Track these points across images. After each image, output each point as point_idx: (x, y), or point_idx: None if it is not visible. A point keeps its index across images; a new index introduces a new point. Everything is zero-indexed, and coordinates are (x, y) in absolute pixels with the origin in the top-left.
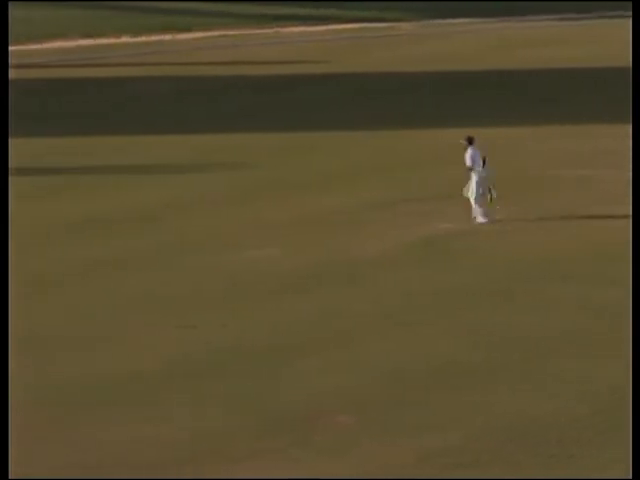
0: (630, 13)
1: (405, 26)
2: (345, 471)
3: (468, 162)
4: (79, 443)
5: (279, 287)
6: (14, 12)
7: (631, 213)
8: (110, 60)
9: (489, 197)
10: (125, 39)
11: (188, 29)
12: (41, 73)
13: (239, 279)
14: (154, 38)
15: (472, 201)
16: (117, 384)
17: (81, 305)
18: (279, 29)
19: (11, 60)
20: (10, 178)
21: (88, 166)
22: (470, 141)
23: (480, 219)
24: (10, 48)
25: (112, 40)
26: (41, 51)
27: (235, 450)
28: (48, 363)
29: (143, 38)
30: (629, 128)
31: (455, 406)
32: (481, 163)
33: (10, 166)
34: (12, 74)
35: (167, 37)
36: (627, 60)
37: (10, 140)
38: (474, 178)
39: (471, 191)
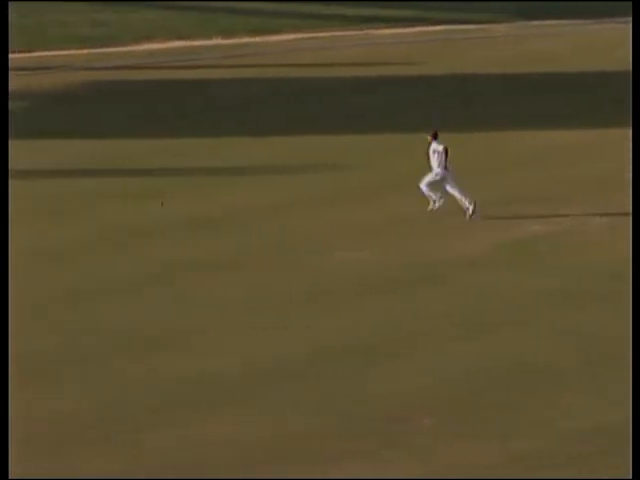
0: None
1: (498, 27)
2: (436, 472)
3: (433, 156)
4: (163, 443)
5: (369, 288)
6: (110, 14)
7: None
8: (202, 62)
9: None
10: (216, 41)
11: (278, 31)
12: (135, 74)
13: (329, 280)
14: (245, 40)
15: (424, 187)
16: (202, 384)
17: (170, 306)
18: (369, 31)
19: (106, 62)
20: (109, 180)
21: (186, 167)
22: (435, 136)
23: (469, 208)
24: (104, 50)
25: (203, 42)
26: (134, 53)
27: (325, 451)
28: (135, 362)
29: (234, 40)
30: None
31: (540, 408)
32: (443, 161)
33: (109, 168)
34: (107, 76)
35: (257, 39)
36: None
37: (108, 142)
38: (435, 171)
39: (425, 180)
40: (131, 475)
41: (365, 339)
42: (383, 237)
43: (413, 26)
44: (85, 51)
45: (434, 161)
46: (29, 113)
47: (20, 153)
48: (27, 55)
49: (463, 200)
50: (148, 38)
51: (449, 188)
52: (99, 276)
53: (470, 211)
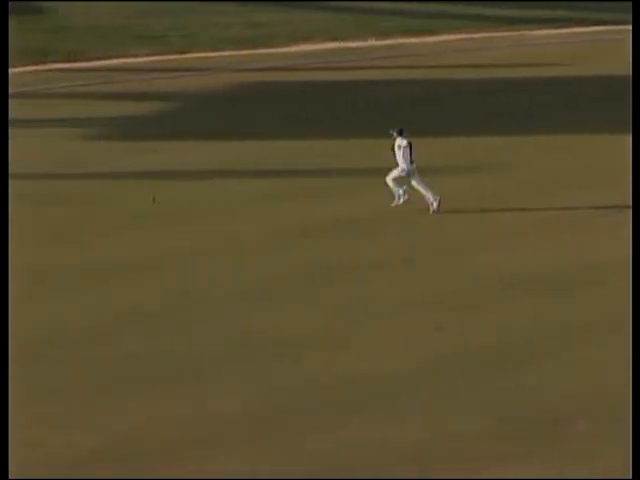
0: None
1: None
2: (595, 474)
3: (398, 151)
4: (322, 444)
5: (515, 289)
6: (266, 16)
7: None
8: (356, 63)
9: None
10: (370, 42)
11: (434, 32)
12: (290, 75)
13: (477, 281)
14: (399, 41)
15: (390, 182)
16: (360, 384)
17: (330, 306)
18: (524, 32)
19: (262, 63)
20: (264, 180)
21: (340, 168)
22: (400, 133)
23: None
24: (260, 51)
25: (358, 43)
26: (290, 54)
27: (481, 452)
28: (293, 363)
29: (389, 41)
30: None
31: None
32: (408, 156)
33: (263, 169)
34: (262, 77)
35: (412, 40)
36: None
37: (264, 143)
38: (400, 167)
39: (391, 175)
40: (289, 475)
41: (517, 340)
42: (534, 238)
43: (568, 27)
44: (241, 52)
45: (399, 157)
46: (185, 114)
47: (176, 154)
48: (183, 56)
49: (428, 195)
50: (303, 39)
51: (414, 183)
52: (255, 277)
53: (434, 206)
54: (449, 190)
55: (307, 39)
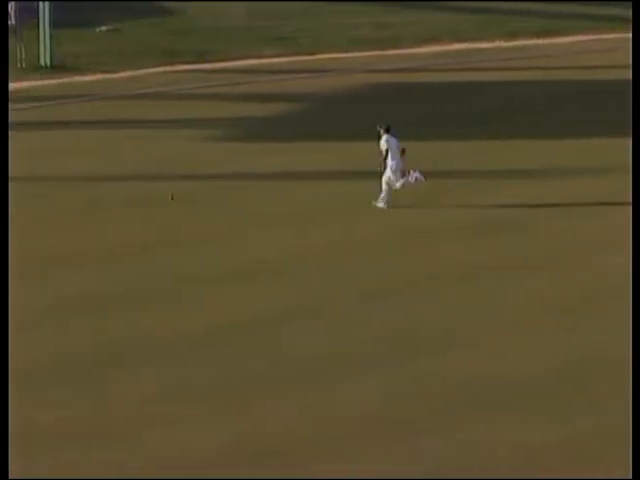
0: None
1: None
2: None
3: (383, 148)
4: (440, 444)
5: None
6: (394, 16)
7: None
8: (488, 64)
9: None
10: (498, 43)
11: (564, 32)
12: (416, 77)
13: (607, 285)
14: (529, 42)
15: (383, 185)
16: (485, 385)
17: (456, 306)
18: None
19: (388, 64)
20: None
21: (466, 170)
22: (387, 130)
23: (380, 204)
24: (387, 52)
25: (486, 44)
26: (416, 55)
27: (612, 453)
28: (416, 363)
29: (517, 42)
30: None
31: None
32: (397, 153)
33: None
34: (388, 78)
35: (541, 41)
36: None
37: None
38: (389, 165)
39: (385, 177)
40: (409, 475)
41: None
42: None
43: None
44: (369, 53)
45: (395, 154)
46: (314, 115)
47: (304, 154)
48: (311, 57)
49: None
50: (431, 40)
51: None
52: (376, 277)
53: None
54: (562, 190)
55: (434, 40)
